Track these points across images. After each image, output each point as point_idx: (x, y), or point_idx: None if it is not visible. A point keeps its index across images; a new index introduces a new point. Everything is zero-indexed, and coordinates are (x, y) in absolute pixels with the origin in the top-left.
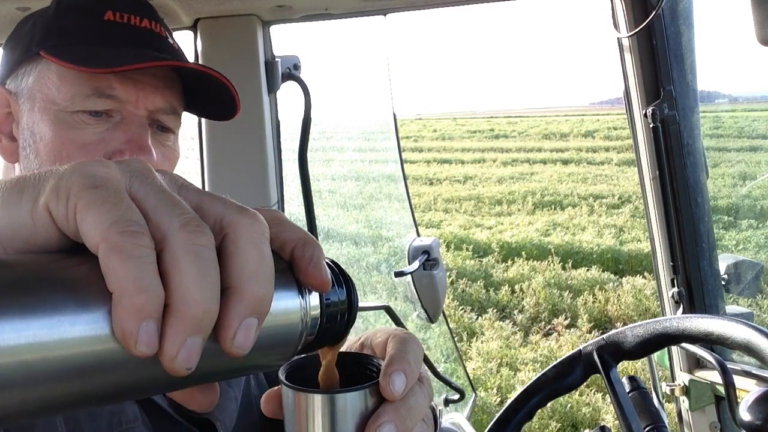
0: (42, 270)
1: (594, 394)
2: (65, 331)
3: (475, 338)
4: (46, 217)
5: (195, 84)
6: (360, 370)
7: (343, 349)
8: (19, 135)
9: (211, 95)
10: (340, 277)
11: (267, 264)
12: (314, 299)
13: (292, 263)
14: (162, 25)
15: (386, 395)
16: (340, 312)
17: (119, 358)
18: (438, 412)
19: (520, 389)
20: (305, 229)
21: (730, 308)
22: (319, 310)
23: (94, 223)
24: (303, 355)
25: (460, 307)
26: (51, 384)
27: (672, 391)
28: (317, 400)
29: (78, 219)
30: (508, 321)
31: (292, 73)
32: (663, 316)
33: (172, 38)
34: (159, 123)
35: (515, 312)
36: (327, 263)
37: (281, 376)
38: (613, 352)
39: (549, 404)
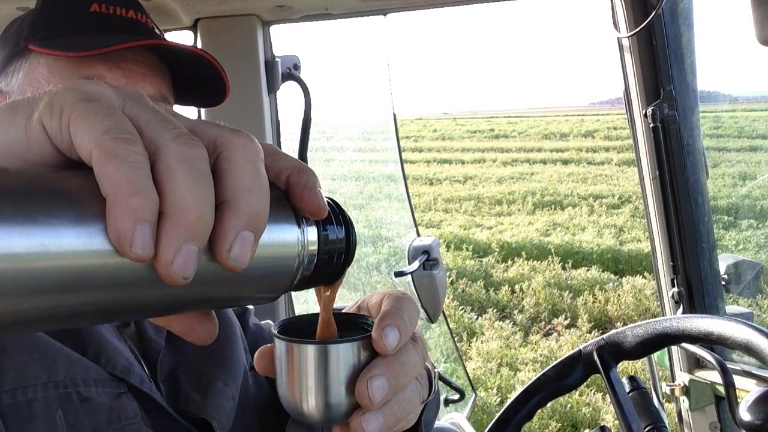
0: (35, 178)
1: (594, 394)
2: (59, 239)
3: (475, 338)
4: (41, 132)
5: (183, 72)
6: (356, 329)
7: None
8: None
9: (200, 80)
10: (339, 216)
11: (261, 179)
12: (312, 233)
13: (288, 191)
14: (149, 18)
15: (379, 349)
16: (338, 250)
17: (115, 267)
18: (435, 374)
19: (520, 389)
20: None
21: (730, 308)
22: (316, 245)
23: (87, 132)
24: (295, 315)
25: (460, 307)
26: (45, 294)
27: (672, 391)
28: (309, 351)
29: (72, 130)
30: (508, 321)
31: (292, 73)
32: (663, 316)
33: (160, 31)
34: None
35: (515, 312)
36: (331, 198)
37: (273, 330)
38: (613, 352)
39: (549, 404)
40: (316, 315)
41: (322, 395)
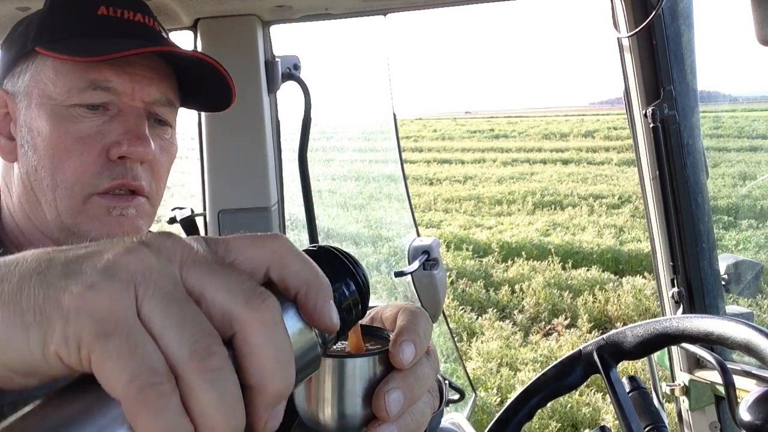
0: (72, 418)
1: (594, 394)
2: None
3: (475, 338)
4: (59, 361)
5: (189, 76)
6: (371, 341)
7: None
8: (17, 134)
9: (206, 86)
10: (344, 267)
11: (284, 355)
12: None
13: (298, 307)
14: (156, 21)
15: (395, 363)
16: (353, 302)
17: None
18: (444, 385)
19: (520, 389)
20: (305, 228)
21: (730, 308)
22: None
23: (112, 377)
24: None
25: (460, 307)
26: None
27: (672, 391)
28: (328, 364)
29: (95, 370)
30: (508, 321)
31: (292, 73)
32: (663, 316)
33: (167, 34)
34: (156, 116)
35: (515, 312)
36: (330, 250)
37: None
38: (613, 352)
39: (549, 404)
40: None
41: (338, 406)
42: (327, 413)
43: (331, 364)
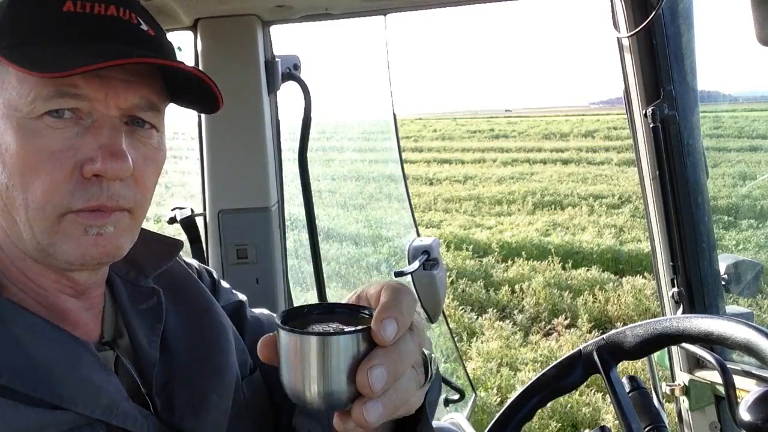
0: None
1: (594, 394)
2: None
3: (475, 338)
4: None
5: (174, 75)
6: (356, 320)
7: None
8: None
9: (191, 87)
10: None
11: None
12: None
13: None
14: (133, 9)
15: (378, 340)
16: None
17: None
18: (431, 358)
19: (520, 389)
20: (305, 228)
21: (730, 308)
22: None
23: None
24: (297, 306)
25: (460, 307)
26: None
27: (672, 391)
28: (312, 342)
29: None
30: (508, 321)
31: (292, 73)
32: (663, 316)
33: (148, 24)
34: (137, 119)
35: (515, 312)
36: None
37: (278, 320)
38: (613, 352)
39: (549, 404)
40: (318, 305)
41: (323, 384)
42: (313, 391)
43: (315, 342)
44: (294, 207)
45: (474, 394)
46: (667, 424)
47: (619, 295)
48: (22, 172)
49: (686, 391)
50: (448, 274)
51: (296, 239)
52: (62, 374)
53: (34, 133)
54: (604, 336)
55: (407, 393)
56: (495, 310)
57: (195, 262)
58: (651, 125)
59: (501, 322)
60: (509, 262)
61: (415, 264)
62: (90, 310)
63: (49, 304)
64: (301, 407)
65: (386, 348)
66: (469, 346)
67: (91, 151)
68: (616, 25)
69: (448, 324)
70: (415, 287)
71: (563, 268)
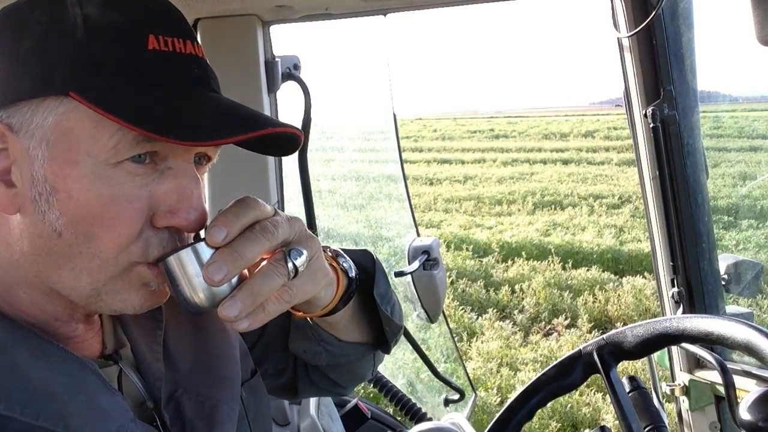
0: None
1: (594, 394)
2: None
3: (475, 338)
4: None
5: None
6: None
7: None
8: (21, 181)
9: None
10: None
11: None
12: None
13: None
14: (197, 44)
15: (209, 243)
16: None
17: None
18: (296, 253)
19: (520, 389)
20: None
21: (730, 308)
22: None
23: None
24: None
25: (460, 307)
26: None
27: (672, 391)
28: (171, 261)
29: None
30: (508, 321)
31: (292, 73)
32: (663, 316)
33: (199, 48)
34: (204, 155)
35: (515, 312)
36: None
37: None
38: (613, 352)
39: (549, 404)
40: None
41: (193, 290)
42: (191, 297)
43: (173, 259)
44: (294, 207)
45: (474, 394)
46: (667, 424)
47: (619, 295)
48: (91, 222)
49: (686, 391)
50: (448, 274)
51: None
52: (68, 400)
53: (112, 181)
54: (604, 336)
55: (266, 286)
56: (495, 310)
57: None
58: (651, 125)
59: (501, 322)
60: (509, 262)
61: (415, 264)
62: (90, 326)
63: (52, 330)
64: (197, 312)
65: (222, 249)
66: (469, 346)
67: (173, 202)
68: (616, 25)
69: (448, 324)
70: (415, 287)
71: (563, 268)
